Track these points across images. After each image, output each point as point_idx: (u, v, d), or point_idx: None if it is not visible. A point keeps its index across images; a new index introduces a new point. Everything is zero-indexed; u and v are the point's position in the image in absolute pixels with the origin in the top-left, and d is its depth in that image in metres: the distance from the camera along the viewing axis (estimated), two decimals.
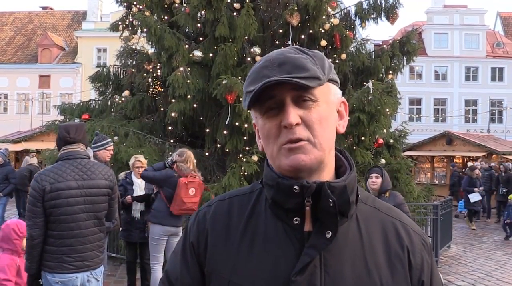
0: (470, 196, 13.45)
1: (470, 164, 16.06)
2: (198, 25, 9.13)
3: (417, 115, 33.04)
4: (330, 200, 1.00)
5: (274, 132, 1.04)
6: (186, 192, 5.55)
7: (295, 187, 1.02)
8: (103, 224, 3.64)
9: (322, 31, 9.56)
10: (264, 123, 1.06)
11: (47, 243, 3.40)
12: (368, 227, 1.08)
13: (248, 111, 6.60)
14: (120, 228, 5.86)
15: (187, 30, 9.82)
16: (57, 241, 3.39)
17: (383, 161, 10.18)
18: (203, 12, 8.87)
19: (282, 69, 1.01)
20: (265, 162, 1.12)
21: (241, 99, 8.02)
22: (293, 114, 1.01)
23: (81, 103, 11.49)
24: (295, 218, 1.04)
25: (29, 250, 3.39)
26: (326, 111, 1.05)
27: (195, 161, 5.96)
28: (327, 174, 1.07)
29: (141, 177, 5.93)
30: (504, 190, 14.12)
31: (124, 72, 11.20)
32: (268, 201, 1.09)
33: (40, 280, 3.49)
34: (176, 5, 9.48)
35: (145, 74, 10.23)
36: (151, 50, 10.03)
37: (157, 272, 5.65)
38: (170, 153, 8.28)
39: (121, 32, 11.20)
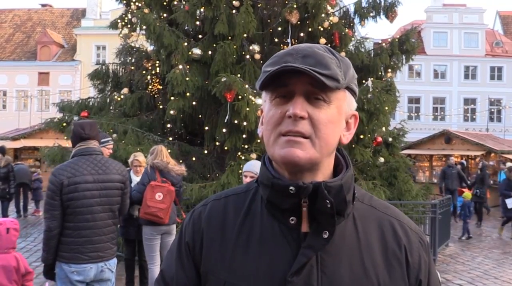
0: (507, 201, 11.88)
1: (509, 164, 14.21)
2: (197, 22, 9.12)
3: (416, 114, 33.04)
4: (327, 201, 0.99)
5: (276, 120, 1.02)
6: (152, 195, 5.44)
7: (291, 187, 1.00)
8: (116, 217, 3.81)
9: (321, 29, 9.56)
10: (270, 108, 1.04)
11: (63, 234, 3.54)
12: (365, 225, 1.07)
13: (247, 109, 6.54)
14: (119, 225, 5.86)
15: (186, 27, 9.81)
16: (73, 233, 3.53)
17: (381, 159, 10.20)
18: (202, 9, 8.86)
19: (305, 61, 0.99)
20: (262, 161, 1.10)
21: (240, 97, 8.02)
22: (302, 106, 0.99)
23: (80, 101, 11.49)
24: (291, 218, 1.03)
25: (46, 241, 3.53)
26: (335, 116, 1.03)
27: (167, 152, 5.90)
28: (322, 176, 1.05)
29: (135, 200, 5.61)
30: (478, 191, 13.38)
31: (123, 70, 11.21)
32: (264, 201, 1.07)
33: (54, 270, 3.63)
34: (175, 2, 9.48)
35: (144, 72, 10.23)
36: (150, 48, 10.02)
37: (155, 271, 5.64)
38: (169, 151, 8.28)
39: (120, 29, 11.21)
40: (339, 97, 1.03)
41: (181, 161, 7.66)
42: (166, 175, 5.69)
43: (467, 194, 12.29)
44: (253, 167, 4.32)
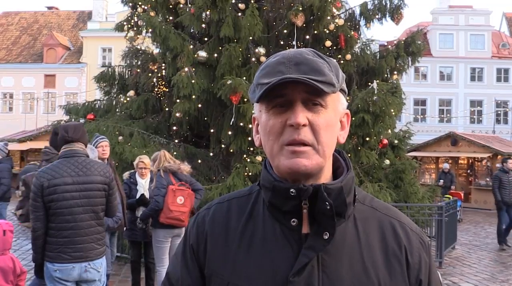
0: None
1: None
2: (203, 25, 9.15)
3: (421, 116, 32.92)
4: (327, 203, 1.01)
5: (277, 129, 1.03)
6: (174, 199, 5.46)
7: (292, 190, 1.02)
8: (100, 218, 3.85)
9: (327, 31, 9.56)
10: (268, 118, 1.04)
11: (48, 234, 3.66)
12: (365, 227, 1.09)
13: (253, 112, 6.56)
14: (125, 228, 5.87)
15: (192, 30, 9.85)
16: (56, 233, 3.64)
17: (387, 162, 10.18)
18: (208, 12, 8.89)
19: (299, 69, 1.00)
20: (263, 164, 1.12)
21: (245, 100, 8.04)
22: (302, 114, 1.01)
23: (86, 103, 11.56)
24: (292, 220, 1.04)
25: (33, 241, 3.66)
26: (333, 119, 1.05)
27: (166, 152, 5.90)
28: (323, 179, 1.07)
29: (160, 205, 5.53)
30: None
31: (129, 72, 11.26)
32: (266, 203, 1.09)
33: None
34: (181, 5, 9.51)
35: (150, 74, 10.26)
36: (156, 51, 10.06)
37: (163, 274, 5.64)
38: (175, 153, 8.29)
39: (126, 32, 11.26)
40: (334, 100, 1.06)
41: (185, 163, 7.68)
42: (180, 176, 5.70)
43: None
44: None
